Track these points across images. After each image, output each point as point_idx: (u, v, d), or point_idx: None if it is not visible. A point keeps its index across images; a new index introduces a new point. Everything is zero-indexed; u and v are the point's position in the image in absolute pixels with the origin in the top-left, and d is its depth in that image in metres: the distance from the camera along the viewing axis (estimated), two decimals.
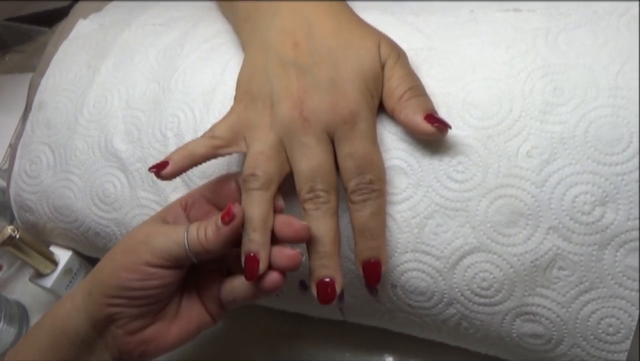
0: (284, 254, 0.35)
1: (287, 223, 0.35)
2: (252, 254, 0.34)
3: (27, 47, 0.76)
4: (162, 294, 0.35)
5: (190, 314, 0.37)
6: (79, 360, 0.36)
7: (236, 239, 0.35)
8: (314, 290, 0.35)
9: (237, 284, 0.36)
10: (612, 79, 0.35)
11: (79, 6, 0.61)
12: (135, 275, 0.34)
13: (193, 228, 0.34)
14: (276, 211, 0.36)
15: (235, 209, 0.34)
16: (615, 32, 0.37)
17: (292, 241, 0.35)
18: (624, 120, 0.34)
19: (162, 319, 0.36)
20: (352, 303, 0.42)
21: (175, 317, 0.37)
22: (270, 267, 0.35)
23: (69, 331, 0.35)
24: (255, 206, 0.35)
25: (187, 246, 0.34)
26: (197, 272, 0.38)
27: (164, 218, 0.38)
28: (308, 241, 0.35)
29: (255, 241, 0.34)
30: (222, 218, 0.34)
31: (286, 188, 0.37)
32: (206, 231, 0.34)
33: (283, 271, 0.35)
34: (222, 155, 0.38)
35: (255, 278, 0.34)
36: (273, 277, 0.35)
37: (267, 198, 0.35)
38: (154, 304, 0.36)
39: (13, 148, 0.55)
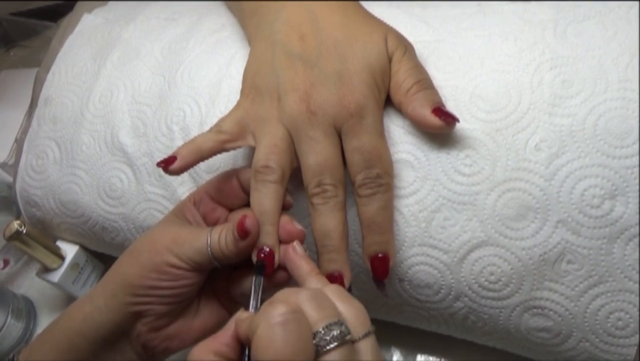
0: (284, 249, 0.35)
1: (282, 227, 0.35)
2: (267, 249, 0.34)
3: (32, 42, 0.76)
4: (190, 293, 0.36)
5: (209, 309, 0.38)
6: (100, 359, 0.36)
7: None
8: None
9: (246, 278, 0.36)
10: (621, 72, 0.35)
11: (83, 1, 0.60)
12: (165, 276, 0.34)
13: (215, 235, 0.34)
14: (285, 207, 0.36)
15: (249, 223, 0.34)
16: (625, 24, 0.37)
17: (286, 243, 0.35)
18: (633, 113, 0.34)
19: (185, 315, 0.37)
20: (360, 297, 0.41)
21: (196, 313, 0.37)
22: None
23: (88, 333, 0.35)
24: (272, 199, 0.35)
25: (210, 254, 0.34)
26: None
27: (184, 216, 0.38)
28: (316, 235, 0.35)
29: (271, 235, 0.35)
30: (238, 232, 0.34)
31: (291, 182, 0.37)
32: (226, 240, 0.34)
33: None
34: (230, 149, 0.38)
35: (272, 272, 0.34)
36: (282, 273, 0.35)
37: (281, 191, 0.35)
38: (182, 302, 0.36)
39: (19, 143, 0.55)
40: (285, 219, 0.35)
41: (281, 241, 0.35)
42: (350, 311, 0.29)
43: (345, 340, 0.27)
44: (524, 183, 0.36)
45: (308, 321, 0.27)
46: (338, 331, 0.27)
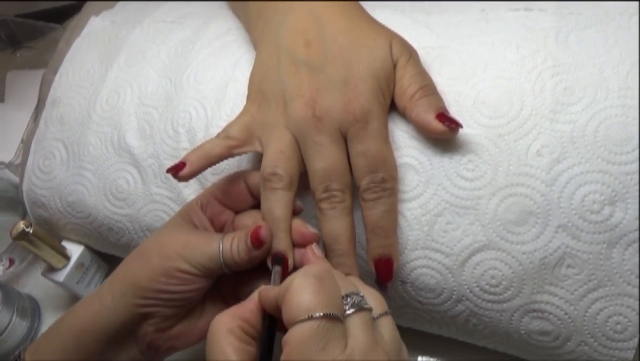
0: (302, 253, 0.35)
1: (296, 230, 0.36)
2: (282, 255, 0.35)
3: (38, 43, 0.77)
4: (196, 297, 0.36)
5: (214, 309, 0.38)
6: (106, 357, 0.36)
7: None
8: None
9: (256, 280, 0.37)
10: (622, 80, 0.36)
11: (90, 3, 0.61)
12: (174, 280, 0.35)
13: (227, 243, 0.35)
14: (296, 212, 0.37)
15: (263, 233, 0.34)
16: (626, 32, 0.37)
17: (301, 246, 0.36)
18: (633, 120, 0.35)
19: (191, 316, 0.37)
20: None
21: (201, 313, 0.38)
22: None
23: (96, 331, 0.36)
24: (282, 206, 0.36)
25: (222, 261, 0.35)
26: None
27: (191, 219, 0.38)
28: (325, 239, 0.36)
29: (284, 240, 0.35)
30: (252, 242, 0.34)
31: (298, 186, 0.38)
32: (239, 248, 0.35)
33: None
34: (237, 155, 0.38)
35: (286, 276, 0.35)
36: None
37: (291, 197, 0.36)
38: (188, 305, 0.37)
39: (25, 144, 0.55)
40: (298, 223, 0.36)
41: (296, 244, 0.36)
42: (367, 292, 0.31)
43: (364, 308, 0.29)
44: (526, 188, 0.36)
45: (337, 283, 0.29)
46: (358, 300, 0.29)
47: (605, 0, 0.40)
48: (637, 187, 0.34)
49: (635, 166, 0.34)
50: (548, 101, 0.37)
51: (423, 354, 0.48)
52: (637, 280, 0.35)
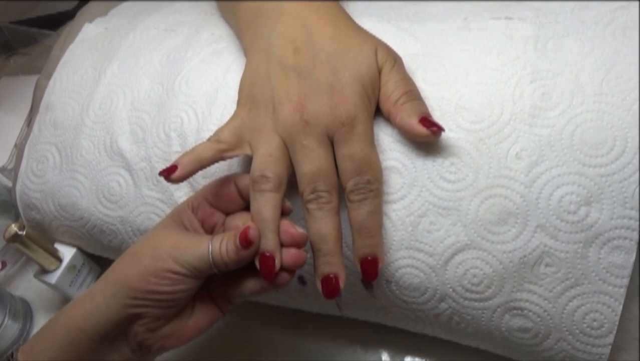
0: (290, 253, 0.36)
1: (284, 231, 0.37)
2: (268, 254, 0.36)
3: (31, 50, 0.77)
4: (186, 298, 0.37)
5: (203, 309, 0.39)
6: (99, 355, 0.37)
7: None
8: (319, 286, 0.37)
9: (245, 280, 0.38)
10: (597, 86, 0.37)
11: (84, 10, 0.62)
12: (164, 281, 0.35)
13: (216, 244, 0.36)
14: (285, 213, 0.37)
15: (252, 234, 0.35)
16: (601, 40, 0.39)
17: (290, 246, 0.37)
18: (607, 124, 0.36)
19: (180, 316, 0.38)
20: (349, 299, 0.44)
21: (191, 313, 0.39)
22: None
23: (88, 330, 0.36)
24: (269, 208, 0.36)
25: (211, 262, 0.36)
26: None
27: (182, 222, 0.39)
28: (312, 239, 0.37)
29: (271, 240, 0.36)
30: (241, 243, 0.35)
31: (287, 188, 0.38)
32: (227, 249, 0.35)
33: (290, 269, 0.37)
34: (228, 158, 0.39)
35: (272, 276, 0.36)
36: (284, 276, 0.36)
37: (279, 199, 0.37)
38: (178, 306, 0.37)
39: (19, 148, 0.56)
40: (286, 223, 0.37)
41: (284, 245, 0.36)
42: None
43: None
44: (505, 189, 0.37)
45: None
46: None
47: (608, 0, 0.41)
48: (611, 188, 0.35)
49: (609, 168, 0.36)
50: (527, 106, 0.38)
51: (410, 354, 0.49)
52: (612, 278, 0.36)
